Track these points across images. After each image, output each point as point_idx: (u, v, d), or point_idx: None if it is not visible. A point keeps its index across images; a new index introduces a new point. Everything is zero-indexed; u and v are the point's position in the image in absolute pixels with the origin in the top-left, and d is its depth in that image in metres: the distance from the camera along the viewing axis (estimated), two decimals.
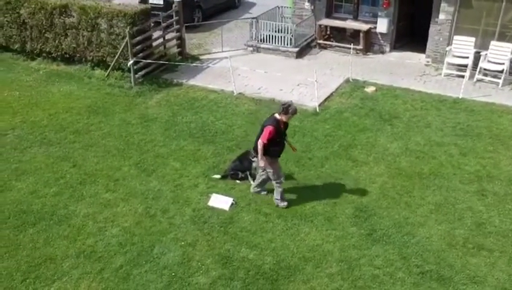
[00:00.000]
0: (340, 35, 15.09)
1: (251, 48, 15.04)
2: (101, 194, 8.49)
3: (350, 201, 8.30)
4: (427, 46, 13.89)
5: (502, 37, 12.76)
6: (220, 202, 8.29)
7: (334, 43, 15.01)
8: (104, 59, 13.09)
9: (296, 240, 7.47)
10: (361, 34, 14.43)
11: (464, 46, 12.98)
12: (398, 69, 13.63)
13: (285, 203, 8.16)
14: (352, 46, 13.60)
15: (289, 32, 14.46)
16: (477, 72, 12.68)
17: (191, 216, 7.99)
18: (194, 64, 13.99)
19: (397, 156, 9.59)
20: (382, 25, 14.24)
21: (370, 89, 12.37)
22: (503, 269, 6.88)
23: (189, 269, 6.94)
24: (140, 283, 6.70)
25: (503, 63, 12.42)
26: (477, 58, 12.68)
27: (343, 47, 14.53)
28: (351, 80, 12.90)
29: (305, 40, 15.09)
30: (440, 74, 13.24)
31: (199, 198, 8.43)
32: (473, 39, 12.85)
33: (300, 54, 14.64)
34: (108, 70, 12.95)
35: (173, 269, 6.93)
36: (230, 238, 7.53)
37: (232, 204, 8.23)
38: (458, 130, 10.48)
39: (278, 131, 7.65)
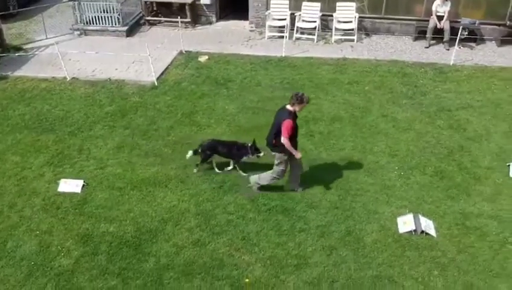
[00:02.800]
0: (167, 10, 15.36)
1: (78, 32, 14.56)
2: None
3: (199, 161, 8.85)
4: (249, 13, 14.91)
5: None
6: (70, 186, 8.21)
7: (163, 19, 15.27)
8: None
9: (153, 206, 7.81)
10: (187, 7, 14.88)
11: (280, 9, 14.22)
12: (226, 37, 14.44)
13: (259, 192, 7.99)
14: (179, 19, 14.00)
15: (115, 12, 14.30)
16: (294, 31, 14.05)
17: (41, 205, 7.81)
18: (18, 54, 13.12)
19: (236, 115, 10.38)
20: None
21: (203, 59, 12.97)
22: (333, 192, 8.06)
23: (49, 254, 6.88)
24: None
25: (315, 21, 13.95)
26: (293, 19, 14.02)
27: (172, 21, 14.86)
28: (184, 52, 13.34)
29: (134, 18, 15.08)
30: (264, 37, 14.37)
31: (47, 187, 8.24)
32: (287, 2, 14.16)
33: (130, 33, 14.61)
34: None
35: (32, 259, 6.80)
36: (87, 218, 7.58)
37: (84, 185, 8.22)
38: (285, 84, 11.65)
39: (295, 123, 7.38)
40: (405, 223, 7.26)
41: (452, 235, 7.18)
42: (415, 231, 7.15)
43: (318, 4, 14.00)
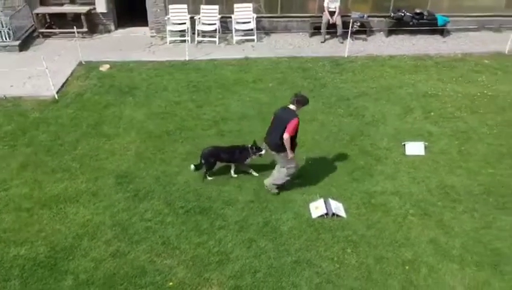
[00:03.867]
0: (61, 21, 14.79)
1: None
2: None
3: (110, 172, 8.67)
4: (148, 19, 14.78)
5: (210, 1, 14.45)
6: None
7: (58, 30, 14.67)
8: None
9: (66, 223, 7.55)
10: (82, 17, 14.42)
11: (179, 13, 14.26)
12: (127, 45, 14.20)
13: (277, 191, 8.01)
14: (75, 29, 13.53)
15: (4, 26, 13.50)
16: (196, 35, 14.16)
17: None
18: None
19: (144, 121, 10.28)
20: (101, 5, 14.48)
21: (104, 68, 12.66)
22: (248, 187, 8.29)
23: None
24: None
25: (215, 24, 14.16)
26: (193, 22, 14.12)
27: (68, 32, 14.32)
28: (83, 62, 12.93)
29: (26, 32, 14.33)
30: (166, 43, 14.33)
31: None
32: (186, 6, 14.23)
33: (23, 47, 13.88)
34: None
35: None
36: None
37: None
38: (191, 87, 11.72)
39: (299, 123, 7.40)
40: (317, 208, 7.67)
41: (360, 214, 7.71)
42: (326, 214, 7.57)
43: (216, 7, 14.22)
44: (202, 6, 14.27)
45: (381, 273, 6.64)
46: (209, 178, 8.47)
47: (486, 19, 15.07)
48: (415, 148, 9.17)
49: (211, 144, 8.74)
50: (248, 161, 8.42)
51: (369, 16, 14.67)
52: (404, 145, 9.28)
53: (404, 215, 7.65)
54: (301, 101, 7.45)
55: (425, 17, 14.54)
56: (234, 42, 14.27)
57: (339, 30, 14.11)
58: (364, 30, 14.58)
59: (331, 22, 14.07)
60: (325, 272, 6.66)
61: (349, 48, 13.36)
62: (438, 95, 11.27)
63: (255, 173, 8.54)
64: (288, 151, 7.50)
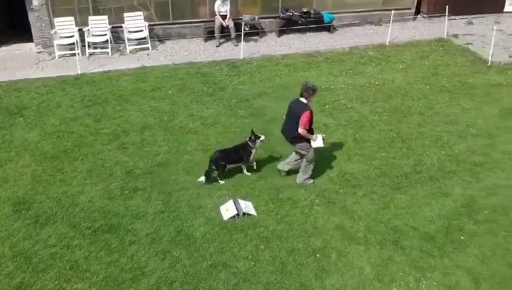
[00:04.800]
0: None
1: None
2: None
3: (5, 200, 8.10)
4: (33, 34, 13.96)
5: (97, 11, 13.99)
6: None
7: None
8: None
9: None
10: None
11: (66, 26, 13.64)
12: (11, 63, 13.33)
13: (312, 181, 8.46)
14: None
15: None
16: (86, 47, 13.63)
17: None
18: None
19: (38, 142, 9.71)
20: None
21: None
22: (157, 197, 8.16)
23: None
24: None
25: (106, 34, 13.74)
26: (82, 34, 13.57)
27: None
28: None
29: None
30: (55, 57, 13.64)
31: None
32: (72, 18, 13.65)
33: None
34: None
35: None
36: None
37: None
38: (87, 102, 11.27)
39: (312, 114, 7.82)
40: (227, 210, 7.75)
41: (269, 209, 7.91)
42: (237, 215, 7.68)
43: (105, 17, 13.81)
44: (90, 18, 13.77)
45: (294, 265, 6.88)
46: (221, 182, 8.52)
47: (367, 13, 16.17)
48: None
49: (109, 159, 8.46)
50: (253, 154, 8.57)
51: (260, 18, 15.08)
52: None
53: (310, 206, 7.98)
54: (307, 91, 7.78)
55: (312, 15, 15.26)
56: (128, 52, 13.94)
57: (232, 33, 14.35)
58: (256, 32, 14.96)
59: (224, 26, 14.26)
60: (241, 271, 6.76)
61: (244, 50, 13.64)
62: (330, 89, 11.90)
63: (247, 173, 8.72)
64: (311, 138, 8.02)
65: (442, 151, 9.40)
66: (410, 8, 16.56)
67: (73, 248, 7.16)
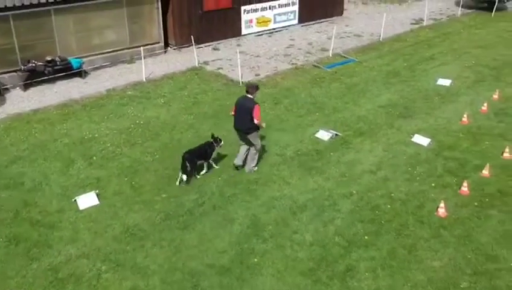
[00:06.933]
0: None
1: None
2: None
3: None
4: None
5: None
6: None
7: None
8: None
9: None
10: None
11: None
12: None
13: (257, 168, 9.77)
14: None
15: None
16: None
17: None
18: None
19: None
20: None
21: None
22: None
23: None
24: None
25: None
26: None
27: None
28: None
29: None
30: None
31: None
32: None
33: None
34: None
35: None
36: None
37: None
38: None
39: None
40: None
41: None
42: None
43: None
44: None
45: None
46: (198, 176, 9.50)
47: (118, 53, 15.75)
48: (87, 200, 8.73)
49: None
50: (214, 154, 9.69)
51: None
52: (76, 200, 8.73)
53: (98, 276, 7.12)
54: (251, 88, 9.17)
55: (58, 63, 14.12)
56: None
57: None
58: None
59: None
60: None
61: None
62: (95, 138, 11.09)
63: (216, 166, 9.81)
64: (263, 124, 9.42)
65: (219, 178, 9.55)
66: (159, 42, 16.76)
67: None
